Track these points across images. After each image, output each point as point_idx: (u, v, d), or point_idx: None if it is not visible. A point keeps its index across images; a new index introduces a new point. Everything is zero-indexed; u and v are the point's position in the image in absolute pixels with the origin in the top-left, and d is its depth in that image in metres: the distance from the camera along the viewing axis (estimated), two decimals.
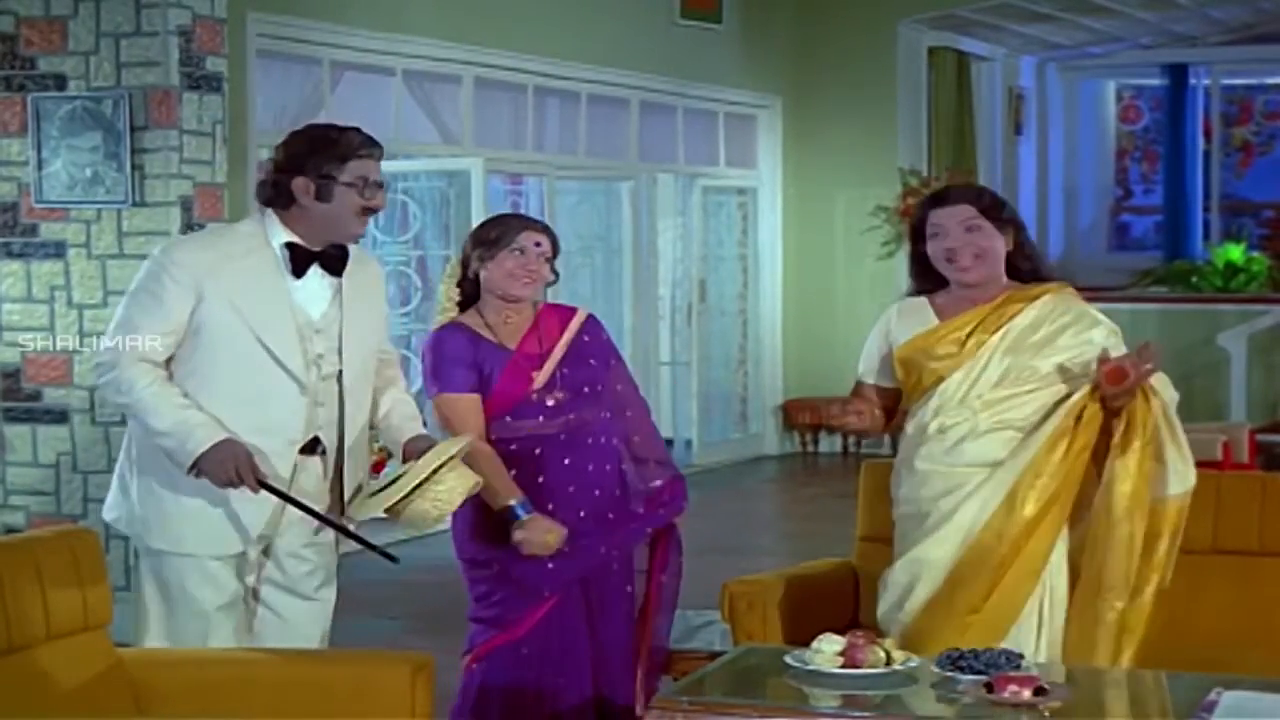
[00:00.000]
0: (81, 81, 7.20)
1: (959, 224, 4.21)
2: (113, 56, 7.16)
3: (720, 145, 12.95)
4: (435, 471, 3.90)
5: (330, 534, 4.13)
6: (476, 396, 4.26)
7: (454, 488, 3.93)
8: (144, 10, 7.13)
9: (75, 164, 7.19)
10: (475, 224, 4.64)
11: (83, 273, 7.25)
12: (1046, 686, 3.43)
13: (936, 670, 3.59)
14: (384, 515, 3.97)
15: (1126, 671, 3.98)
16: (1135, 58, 15.74)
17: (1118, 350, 4.12)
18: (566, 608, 4.28)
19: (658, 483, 4.41)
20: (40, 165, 7.22)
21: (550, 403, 4.28)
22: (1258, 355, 12.72)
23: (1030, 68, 15.41)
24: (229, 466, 3.86)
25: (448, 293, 4.41)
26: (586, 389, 4.33)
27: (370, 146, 4.06)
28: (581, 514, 4.26)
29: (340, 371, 4.10)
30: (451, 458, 3.93)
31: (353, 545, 4.13)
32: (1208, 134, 15.96)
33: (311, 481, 4.09)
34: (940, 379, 4.19)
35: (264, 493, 3.91)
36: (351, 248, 4.13)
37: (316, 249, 4.06)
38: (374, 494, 3.98)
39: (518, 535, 4.13)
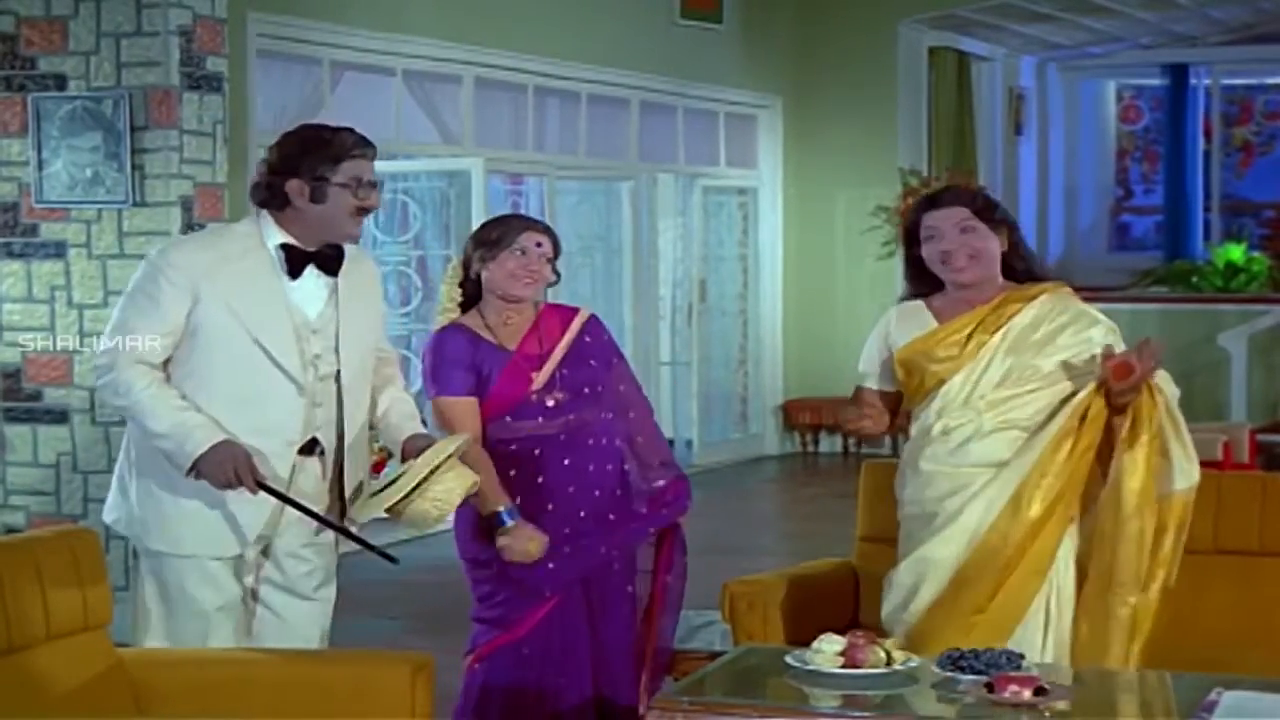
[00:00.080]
0: (82, 81, 7.19)
1: (954, 225, 4.20)
2: (113, 56, 7.16)
3: (720, 145, 12.95)
4: (434, 470, 3.90)
5: (329, 534, 4.13)
6: (474, 399, 4.25)
7: (453, 488, 3.93)
8: (144, 10, 7.12)
9: (75, 164, 7.19)
10: (475, 224, 4.65)
11: (83, 273, 7.25)
12: (1047, 686, 3.43)
13: (937, 670, 3.59)
14: (385, 515, 3.97)
15: (1127, 671, 3.97)
16: (1135, 58, 15.74)
17: (1118, 349, 4.12)
18: (567, 608, 4.28)
19: (661, 483, 4.41)
20: (41, 165, 7.22)
21: (550, 403, 4.28)
22: (1258, 355, 12.71)
23: (1030, 68, 15.41)
24: (227, 468, 3.86)
25: (449, 293, 4.40)
26: (586, 390, 4.32)
27: (363, 146, 4.05)
28: (582, 514, 4.26)
29: (338, 371, 4.09)
30: (449, 456, 3.93)
31: (352, 545, 4.13)
32: (1208, 134, 15.96)
33: (310, 482, 4.08)
34: (942, 381, 4.19)
35: (263, 494, 3.91)
36: (347, 247, 4.12)
37: (312, 250, 4.06)
38: (374, 495, 3.97)
39: (501, 541, 4.13)
